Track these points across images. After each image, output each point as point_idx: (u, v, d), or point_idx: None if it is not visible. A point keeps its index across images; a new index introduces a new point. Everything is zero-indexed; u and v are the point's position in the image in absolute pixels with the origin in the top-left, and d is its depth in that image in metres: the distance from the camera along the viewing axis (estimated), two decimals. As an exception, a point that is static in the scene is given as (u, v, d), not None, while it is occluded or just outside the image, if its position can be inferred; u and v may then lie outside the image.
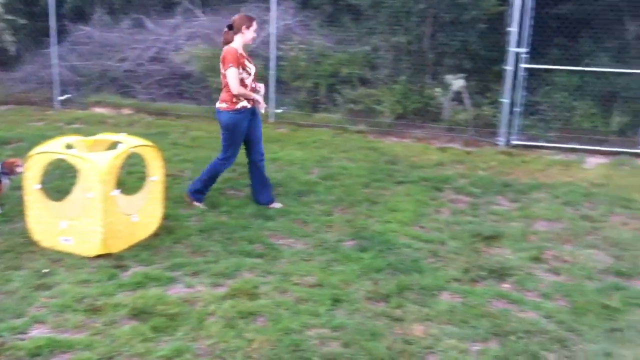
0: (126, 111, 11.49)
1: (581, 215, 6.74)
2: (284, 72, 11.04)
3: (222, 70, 6.29)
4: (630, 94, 9.68)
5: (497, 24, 10.10)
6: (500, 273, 5.26)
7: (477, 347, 4.16)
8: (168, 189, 6.40)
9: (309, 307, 4.55)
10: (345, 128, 10.37)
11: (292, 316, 4.41)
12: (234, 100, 6.29)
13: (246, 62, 6.31)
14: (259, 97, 6.42)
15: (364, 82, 10.94)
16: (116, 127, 9.81)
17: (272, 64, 10.73)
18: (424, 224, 6.38)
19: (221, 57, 6.29)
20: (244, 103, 6.34)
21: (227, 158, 6.53)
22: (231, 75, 6.18)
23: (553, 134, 9.85)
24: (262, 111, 6.61)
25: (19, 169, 6.08)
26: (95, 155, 5.37)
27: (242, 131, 6.41)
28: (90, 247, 5.24)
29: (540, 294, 4.94)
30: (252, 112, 6.47)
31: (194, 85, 11.71)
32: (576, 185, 7.77)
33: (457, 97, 10.48)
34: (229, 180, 7.45)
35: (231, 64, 6.16)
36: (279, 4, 10.83)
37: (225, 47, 6.27)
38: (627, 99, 9.73)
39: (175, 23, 12.31)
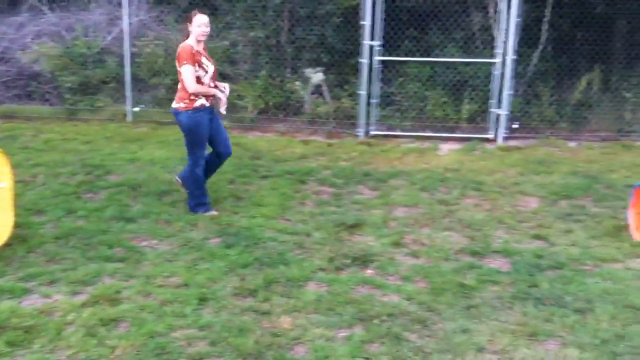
0: (-31, 115, 10.75)
1: (437, 200, 7.05)
2: (140, 70, 10.73)
3: (178, 68, 6.08)
4: (478, 82, 10.24)
5: (351, 17, 10.36)
6: (363, 260, 5.41)
7: (343, 333, 4.25)
8: (19, 196, 6.05)
9: (175, 309, 4.47)
10: (208, 125, 10.23)
11: (156, 319, 4.31)
12: (192, 98, 6.09)
13: (203, 60, 6.10)
14: (220, 94, 6.25)
15: (224, 77, 10.83)
16: (-41, 133, 9.16)
17: (127, 61, 10.41)
18: (289, 217, 6.43)
19: (176, 54, 6.11)
20: (202, 101, 6.16)
21: (196, 161, 6.31)
22: (186, 73, 5.98)
23: (409, 123, 10.24)
24: (222, 111, 6.40)
25: None
26: None
27: (204, 130, 6.22)
28: None
29: (401, 277, 5.12)
30: (211, 111, 6.29)
31: (44, 86, 11.14)
32: (432, 171, 8.13)
33: (317, 91, 10.65)
34: (84, 183, 7.17)
35: (185, 61, 5.96)
36: (131, -1, 10.53)
37: (181, 45, 6.09)
38: (475, 87, 10.29)
39: (21, 21, 11.64)
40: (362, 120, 9.95)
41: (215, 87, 6.31)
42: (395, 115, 10.41)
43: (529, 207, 6.87)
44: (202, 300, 4.63)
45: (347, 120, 10.29)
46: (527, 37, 10.40)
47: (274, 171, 7.93)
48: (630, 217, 6.17)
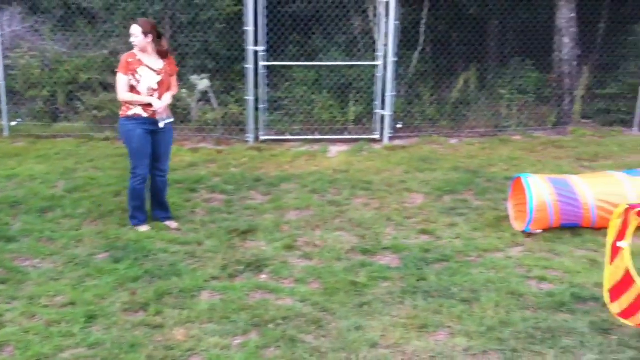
0: None
1: (328, 201, 7.15)
2: (16, 82, 10.25)
3: None
4: (362, 84, 10.47)
5: (234, 24, 10.33)
6: (257, 265, 5.41)
7: (238, 340, 4.23)
8: None
9: (62, 329, 4.30)
10: (91, 136, 9.92)
11: (43, 341, 4.13)
12: (127, 106, 6.00)
13: (139, 69, 5.94)
14: (155, 103, 5.95)
15: (105, 87, 10.54)
16: None
17: (0, 73, 9.91)
18: (179, 227, 6.33)
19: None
20: (137, 110, 5.97)
21: (132, 171, 6.10)
22: (117, 81, 6.01)
23: (297, 127, 10.33)
24: (160, 124, 6.04)
25: None
26: None
27: (137, 140, 5.99)
28: None
29: (295, 280, 5.16)
30: (153, 123, 6.04)
31: None
32: (322, 173, 8.23)
33: (204, 97, 10.54)
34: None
35: (118, 70, 6.00)
36: (1, 9, 10.02)
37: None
38: (360, 89, 10.51)
39: None
40: (250, 125, 9.93)
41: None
42: (283, 120, 10.47)
43: (415, 204, 7.09)
44: (91, 318, 4.49)
45: (236, 126, 10.25)
46: (407, 40, 10.74)
47: (162, 181, 7.77)
48: (510, 208, 6.50)
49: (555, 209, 5.98)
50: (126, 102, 6.03)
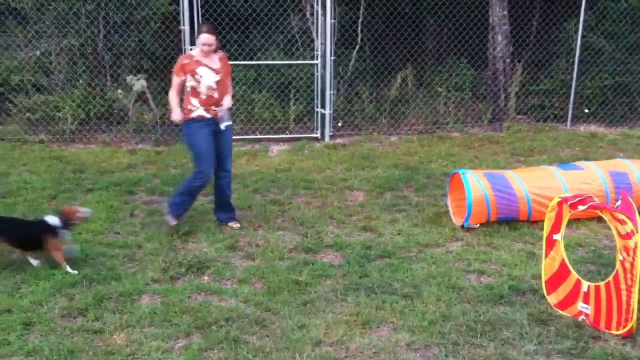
0: None
1: (270, 200, 7.13)
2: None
3: None
4: (302, 83, 10.48)
5: (169, 23, 10.19)
6: (198, 267, 5.35)
7: (180, 343, 4.18)
8: None
9: (-3, 337, 4.17)
10: (25, 139, 9.62)
11: (-24, 351, 3.99)
12: (189, 108, 6.04)
13: (198, 69, 5.95)
14: (175, 110, 6.00)
15: (38, 88, 10.24)
16: None
17: None
18: (118, 230, 6.22)
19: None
20: (200, 112, 5.99)
21: (197, 171, 6.10)
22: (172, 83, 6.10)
23: (238, 127, 10.25)
24: (221, 125, 6.05)
25: (79, 217, 5.47)
26: None
27: (201, 141, 5.94)
28: None
29: (238, 281, 5.13)
30: (216, 124, 6.02)
31: None
32: (263, 173, 8.19)
33: (141, 98, 10.36)
34: None
35: (173, 72, 6.06)
36: None
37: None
38: (299, 88, 10.51)
39: None
40: (189, 126, 9.79)
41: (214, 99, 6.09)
42: (223, 120, 10.37)
43: (357, 201, 7.14)
44: (28, 325, 4.38)
45: (175, 126, 10.09)
46: (345, 39, 10.81)
47: (99, 184, 7.61)
48: (449, 203, 6.61)
49: (492, 204, 6.11)
50: (187, 106, 6.03)
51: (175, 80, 6.06)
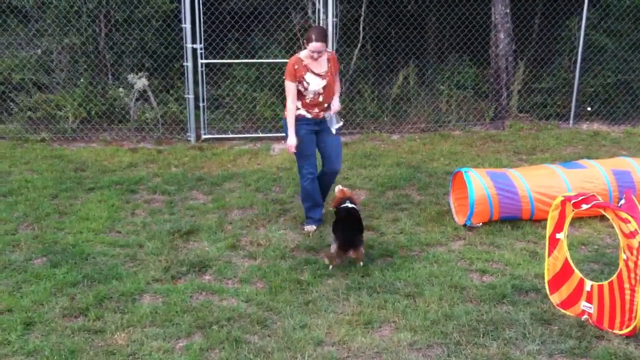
0: None
1: (271, 199, 7.11)
2: None
3: None
4: (303, 81, 10.43)
5: (171, 21, 10.18)
6: (200, 266, 5.34)
7: (181, 343, 4.17)
8: None
9: (-2, 337, 4.16)
10: (26, 138, 9.61)
11: (-23, 351, 3.98)
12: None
13: (305, 75, 5.85)
14: (289, 140, 5.91)
15: (40, 87, 10.23)
16: None
17: None
18: (120, 229, 6.20)
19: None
20: (301, 111, 5.97)
21: (300, 172, 6.14)
22: (286, 89, 5.93)
23: (240, 125, 10.24)
24: (332, 129, 5.97)
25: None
26: None
27: (301, 140, 5.95)
28: None
29: (239, 280, 5.11)
30: (317, 124, 6.01)
31: None
32: (265, 171, 8.18)
33: (142, 96, 10.34)
34: None
35: (285, 77, 5.93)
36: None
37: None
38: (301, 86, 10.46)
39: None
40: (191, 124, 9.79)
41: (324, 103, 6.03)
42: (225, 118, 10.36)
43: (359, 200, 7.11)
44: (29, 324, 4.38)
45: (177, 125, 10.10)
46: (346, 37, 10.78)
47: (101, 182, 7.59)
48: (451, 202, 6.58)
49: (495, 202, 6.09)
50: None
51: (291, 87, 5.89)
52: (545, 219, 4.86)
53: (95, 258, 5.47)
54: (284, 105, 6.02)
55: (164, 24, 10.22)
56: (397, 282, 5.02)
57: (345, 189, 6.04)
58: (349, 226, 5.36)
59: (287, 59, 10.36)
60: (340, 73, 10.50)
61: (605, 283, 4.32)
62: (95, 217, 6.43)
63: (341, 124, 6.09)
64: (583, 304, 4.46)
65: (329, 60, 5.99)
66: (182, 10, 9.38)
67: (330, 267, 5.27)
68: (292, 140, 5.90)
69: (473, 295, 4.81)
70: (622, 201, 4.40)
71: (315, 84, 5.90)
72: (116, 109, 10.24)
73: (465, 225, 6.18)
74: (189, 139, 9.82)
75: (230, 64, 10.50)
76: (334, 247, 5.27)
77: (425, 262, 5.43)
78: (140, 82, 10.12)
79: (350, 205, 5.67)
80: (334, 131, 6.04)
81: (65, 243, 5.78)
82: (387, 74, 11.19)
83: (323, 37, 5.79)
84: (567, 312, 4.55)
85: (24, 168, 8.21)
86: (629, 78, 11.00)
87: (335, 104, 6.02)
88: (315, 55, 5.79)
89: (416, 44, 10.99)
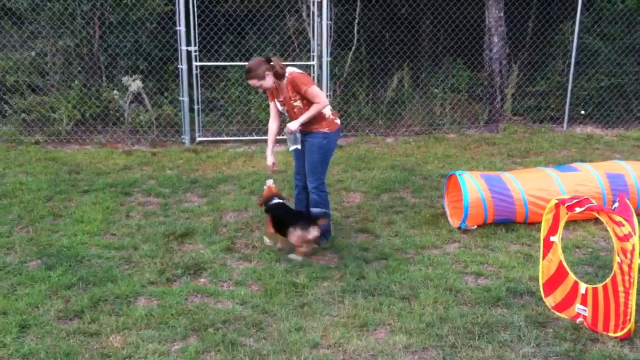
0: None
1: (266, 202, 7.10)
2: None
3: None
4: (298, 84, 10.44)
5: (165, 23, 10.17)
6: (195, 269, 5.33)
7: (177, 346, 4.16)
8: None
9: (-8, 340, 4.14)
10: (20, 140, 9.60)
11: (-29, 354, 3.97)
12: (331, 118, 5.77)
13: (276, 99, 5.81)
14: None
15: (34, 89, 10.21)
16: None
17: None
18: (114, 231, 6.19)
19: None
20: (338, 121, 5.86)
21: (323, 182, 5.92)
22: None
23: (234, 128, 10.24)
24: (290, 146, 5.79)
25: None
26: None
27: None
28: None
29: (235, 283, 5.10)
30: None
31: None
32: (260, 174, 8.17)
33: (137, 99, 10.33)
34: None
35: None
36: None
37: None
38: (296, 89, 10.47)
39: None
40: (186, 127, 9.80)
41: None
42: (220, 121, 10.37)
43: (354, 203, 7.12)
44: (24, 327, 4.36)
45: (171, 127, 10.09)
46: (341, 40, 10.80)
47: (95, 185, 7.58)
48: (446, 205, 6.60)
49: (490, 205, 6.10)
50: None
51: (271, 106, 5.89)
52: (540, 222, 4.88)
53: (90, 260, 5.46)
54: None
55: (159, 27, 10.22)
56: (392, 284, 5.02)
57: (272, 185, 5.97)
58: (290, 212, 5.76)
59: (282, 61, 10.43)
60: (335, 76, 10.53)
61: (600, 286, 4.34)
62: (90, 220, 6.41)
63: (297, 146, 5.75)
64: (577, 307, 4.48)
65: (287, 84, 5.60)
66: (177, 13, 9.38)
67: (304, 254, 5.52)
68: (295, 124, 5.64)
69: (468, 298, 4.82)
70: (616, 204, 4.42)
71: (282, 108, 5.83)
72: (110, 112, 10.23)
73: (459, 228, 6.19)
74: (183, 141, 9.81)
75: (224, 67, 10.50)
76: (298, 234, 5.42)
77: (420, 264, 5.44)
78: (135, 84, 10.12)
79: (280, 200, 5.80)
80: (291, 149, 5.83)
81: (59, 245, 5.76)
82: (381, 77, 11.21)
83: (247, 74, 5.60)
84: (562, 315, 4.56)
85: (18, 170, 8.19)
86: (622, 81, 11.06)
87: (290, 125, 5.63)
88: (259, 90, 5.80)
89: (410, 47, 11.02)
